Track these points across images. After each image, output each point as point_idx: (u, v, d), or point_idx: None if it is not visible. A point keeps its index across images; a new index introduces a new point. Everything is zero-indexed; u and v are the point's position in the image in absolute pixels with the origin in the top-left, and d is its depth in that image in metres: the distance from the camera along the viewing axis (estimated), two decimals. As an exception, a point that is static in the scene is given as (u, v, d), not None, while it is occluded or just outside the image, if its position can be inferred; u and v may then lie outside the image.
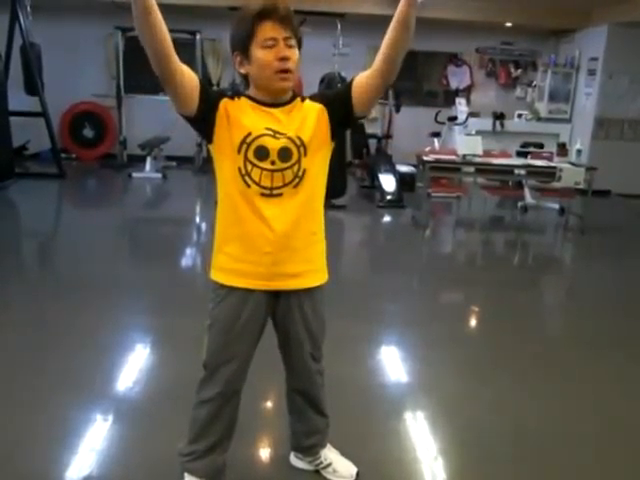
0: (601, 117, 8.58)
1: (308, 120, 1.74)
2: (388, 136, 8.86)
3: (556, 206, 7.09)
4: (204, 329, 1.86)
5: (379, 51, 1.67)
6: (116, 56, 8.71)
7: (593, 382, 3.08)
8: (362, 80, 1.73)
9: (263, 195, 1.71)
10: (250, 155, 1.69)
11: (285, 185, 1.72)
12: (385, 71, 1.67)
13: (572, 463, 2.37)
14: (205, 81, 1.71)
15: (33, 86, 7.70)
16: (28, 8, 7.57)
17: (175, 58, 1.59)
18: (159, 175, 8.24)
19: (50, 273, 4.66)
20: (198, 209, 7.18)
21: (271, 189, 1.71)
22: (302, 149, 1.72)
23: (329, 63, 7.49)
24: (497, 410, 2.74)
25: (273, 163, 1.70)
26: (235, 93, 1.75)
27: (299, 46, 1.70)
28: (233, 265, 1.79)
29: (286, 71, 1.65)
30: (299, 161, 1.72)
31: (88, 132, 9.45)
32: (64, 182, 7.92)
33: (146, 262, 4.92)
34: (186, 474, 1.96)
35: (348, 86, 1.75)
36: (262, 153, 1.69)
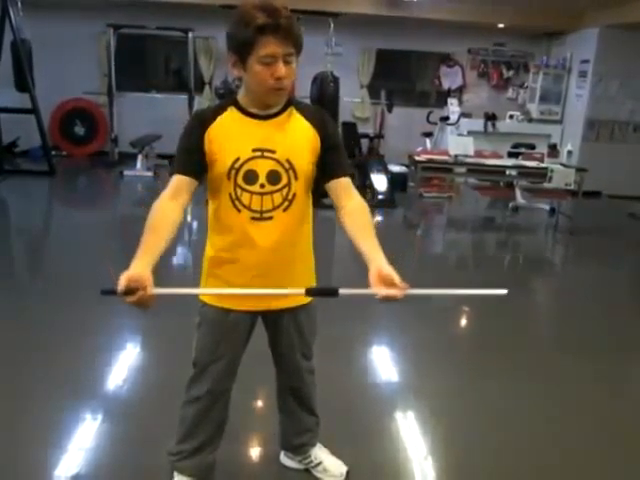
0: (592, 119, 8.63)
1: (299, 142, 1.69)
2: (380, 136, 8.88)
3: (547, 207, 7.13)
4: (193, 327, 1.86)
5: (348, 217, 1.71)
6: (108, 53, 8.67)
7: (580, 382, 3.10)
8: (336, 190, 1.72)
9: (254, 219, 1.69)
10: (239, 180, 1.66)
11: (275, 208, 1.69)
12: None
13: (560, 462, 2.39)
14: (186, 160, 1.68)
15: (23, 82, 7.64)
16: (19, 4, 7.52)
17: (187, 204, 1.70)
18: (150, 173, 8.21)
19: (39, 272, 4.63)
20: (189, 208, 7.14)
21: (261, 212, 1.69)
22: (292, 172, 1.68)
23: (322, 62, 7.49)
24: (487, 410, 2.75)
25: (262, 186, 1.67)
26: (221, 105, 1.70)
27: (299, 52, 1.61)
28: (223, 287, 1.79)
29: (281, 88, 1.61)
30: (289, 184, 1.69)
31: (79, 129, 9.40)
32: (54, 180, 7.87)
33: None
34: (175, 473, 1.96)
35: (336, 174, 1.72)
36: (251, 177, 1.66)
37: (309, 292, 1.63)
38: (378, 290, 1.50)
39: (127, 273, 1.46)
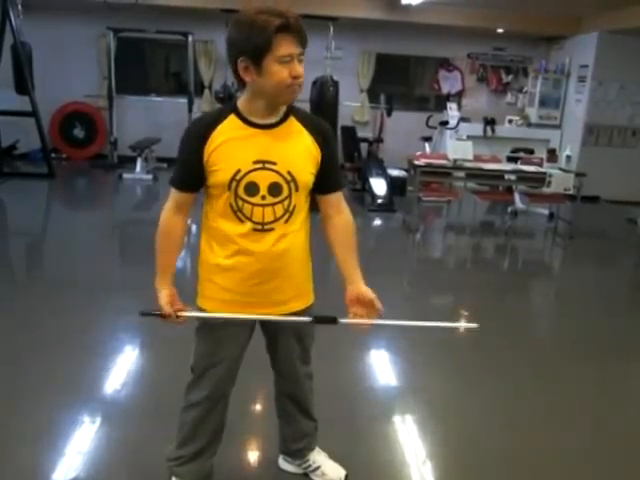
0: (591, 123, 8.64)
1: (300, 154, 1.70)
2: (379, 140, 8.89)
3: (545, 211, 7.14)
4: (192, 332, 1.85)
5: (334, 234, 1.83)
6: (108, 56, 8.68)
7: (579, 384, 3.10)
8: (326, 204, 1.83)
9: (255, 230, 1.69)
10: (240, 191, 1.66)
11: (276, 220, 1.70)
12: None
13: (560, 464, 2.39)
14: (186, 173, 1.72)
15: (23, 85, 7.65)
16: (19, 7, 7.52)
17: (189, 214, 1.82)
18: (150, 176, 8.21)
19: (38, 274, 4.63)
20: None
21: (263, 224, 1.69)
22: (293, 184, 1.69)
23: (321, 66, 7.50)
24: (485, 413, 2.75)
25: (263, 198, 1.67)
26: (221, 112, 1.70)
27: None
28: (223, 295, 1.78)
29: (298, 86, 1.63)
30: (290, 196, 1.70)
31: (79, 132, 9.39)
32: (54, 182, 7.87)
33: (135, 263, 4.89)
34: (174, 478, 1.95)
35: (330, 189, 1.81)
36: (252, 189, 1.66)
37: (315, 320, 1.77)
38: (369, 321, 1.80)
39: (164, 299, 1.72)
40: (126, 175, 8.18)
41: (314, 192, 1.80)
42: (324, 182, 1.78)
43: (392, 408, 2.73)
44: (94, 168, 8.99)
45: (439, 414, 2.70)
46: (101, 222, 6.35)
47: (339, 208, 1.84)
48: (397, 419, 2.64)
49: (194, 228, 6.08)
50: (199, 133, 1.66)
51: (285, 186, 1.68)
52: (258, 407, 2.69)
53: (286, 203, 1.70)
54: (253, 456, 2.36)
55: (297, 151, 1.70)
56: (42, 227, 6.23)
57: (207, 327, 1.82)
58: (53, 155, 8.54)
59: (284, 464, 2.21)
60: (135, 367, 3.01)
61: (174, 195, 1.76)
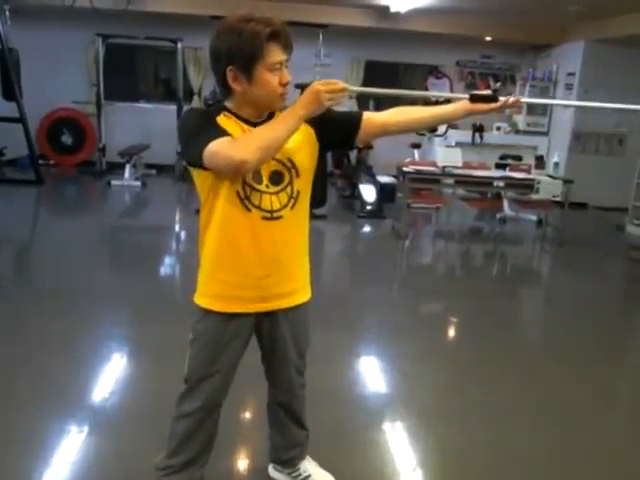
0: (578, 131, 8.71)
1: (295, 138, 1.68)
2: (369, 146, 8.91)
3: (534, 218, 7.18)
4: (187, 343, 1.82)
5: (400, 114, 1.83)
6: (96, 63, 8.65)
7: (570, 393, 3.10)
8: (372, 120, 1.80)
9: (264, 219, 1.69)
10: (248, 178, 1.65)
11: (283, 208, 1.71)
12: (392, 132, 1.86)
13: (555, 471, 2.39)
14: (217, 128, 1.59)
15: (11, 91, 7.61)
16: (7, 13, 7.49)
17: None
18: (138, 183, 8.17)
19: (26, 282, 4.58)
20: (177, 218, 7.14)
21: (272, 212, 1.70)
22: (294, 171, 1.71)
23: (310, 73, 7.51)
24: (476, 422, 2.74)
25: (267, 187, 1.69)
26: (215, 109, 1.69)
27: None
28: (230, 292, 1.76)
29: (286, 93, 1.65)
30: (291, 183, 1.71)
31: (67, 139, 9.34)
32: (42, 189, 7.81)
33: (125, 271, 4.86)
34: (162, 488, 1.93)
35: (358, 118, 1.78)
36: (258, 177, 1.66)
37: (472, 98, 1.74)
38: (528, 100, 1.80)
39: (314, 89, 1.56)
40: (114, 182, 8.14)
41: (355, 141, 1.81)
42: (345, 130, 1.78)
43: (383, 417, 2.71)
44: (82, 175, 8.94)
45: (430, 422, 2.69)
46: (89, 229, 6.30)
47: (379, 115, 1.83)
48: (388, 428, 2.63)
49: (184, 235, 6.08)
50: (205, 114, 1.68)
51: (286, 173, 1.70)
52: (248, 415, 2.67)
53: (289, 190, 1.72)
54: (243, 465, 2.34)
55: (294, 139, 1.68)
56: (29, 234, 6.18)
57: (203, 338, 1.80)
58: (41, 162, 8.48)
59: (274, 473, 2.19)
60: (124, 376, 2.97)
61: (213, 142, 1.52)
